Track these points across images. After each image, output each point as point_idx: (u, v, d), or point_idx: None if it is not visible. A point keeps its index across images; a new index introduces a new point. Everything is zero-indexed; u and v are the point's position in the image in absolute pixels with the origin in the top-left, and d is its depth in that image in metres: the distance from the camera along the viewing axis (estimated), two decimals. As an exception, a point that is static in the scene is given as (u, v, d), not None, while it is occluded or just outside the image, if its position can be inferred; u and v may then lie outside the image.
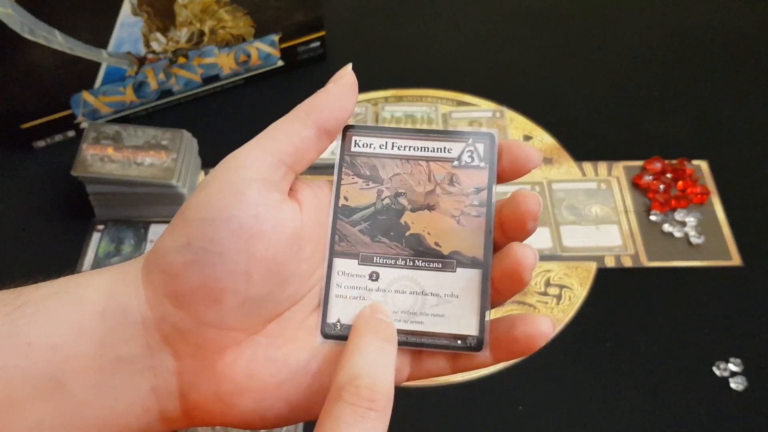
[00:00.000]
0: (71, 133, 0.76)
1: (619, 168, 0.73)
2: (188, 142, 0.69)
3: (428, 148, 0.30)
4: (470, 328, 0.28)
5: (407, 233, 0.30)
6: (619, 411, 0.57)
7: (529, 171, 0.30)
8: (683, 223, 0.69)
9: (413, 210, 0.30)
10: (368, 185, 0.30)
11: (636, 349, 0.61)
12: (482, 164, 0.30)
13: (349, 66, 0.29)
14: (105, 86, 0.73)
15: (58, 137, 0.75)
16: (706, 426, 0.56)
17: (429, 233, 0.30)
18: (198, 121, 0.76)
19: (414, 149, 0.30)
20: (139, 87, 0.75)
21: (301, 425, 0.55)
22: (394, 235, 0.30)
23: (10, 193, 0.73)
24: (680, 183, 0.71)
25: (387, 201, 0.30)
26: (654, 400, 0.58)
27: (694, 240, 0.67)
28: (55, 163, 0.73)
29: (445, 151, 0.30)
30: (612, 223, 0.69)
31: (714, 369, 0.59)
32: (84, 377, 0.26)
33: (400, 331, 0.28)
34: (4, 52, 0.66)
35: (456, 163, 0.30)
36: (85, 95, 0.73)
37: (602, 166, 0.74)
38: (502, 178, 0.30)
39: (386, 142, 0.30)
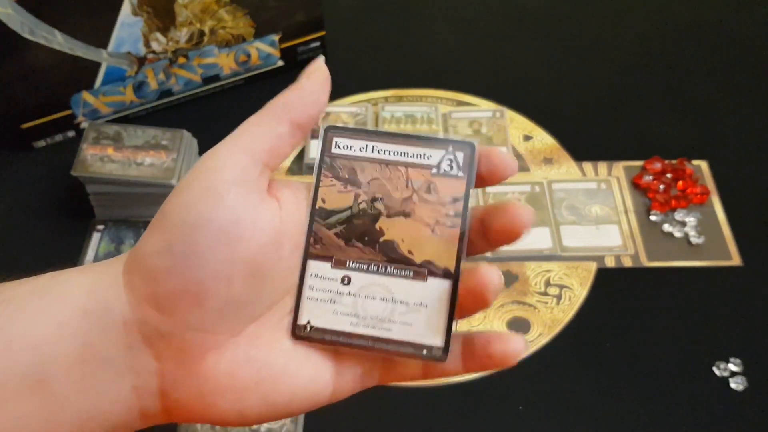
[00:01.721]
0: (71, 133, 0.76)
1: (619, 168, 0.73)
2: (188, 142, 0.69)
3: (408, 154, 0.30)
4: (436, 339, 0.29)
5: (381, 239, 0.30)
6: (619, 411, 0.57)
7: (506, 179, 0.30)
8: (683, 223, 0.69)
9: (389, 216, 0.30)
10: (346, 188, 0.30)
11: (636, 349, 0.61)
12: (460, 174, 0.30)
13: (321, 59, 0.29)
14: (105, 86, 0.73)
15: (58, 137, 0.75)
16: (706, 426, 0.56)
17: (403, 240, 0.29)
18: (198, 121, 0.76)
19: (394, 153, 0.30)
20: (139, 87, 0.75)
21: (301, 422, 0.55)
22: (368, 240, 0.30)
23: (10, 193, 0.73)
24: (680, 183, 0.71)
25: (363, 205, 0.30)
26: (654, 400, 0.58)
27: (694, 240, 0.67)
28: (55, 163, 0.73)
29: (424, 158, 0.30)
30: (612, 223, 0.69)
31: (714, 369, 0.59)
32: (65, 376, 0.26)
33: (368, 337, 0.29)
34: (4, 52, 0.66)
35: (435, 170, 0.30)
36: (85, 95, 0.73)
37: (602, 166, 0.74)
38: (478, 184, 0.30)
39: (366, 145, 0.30)
